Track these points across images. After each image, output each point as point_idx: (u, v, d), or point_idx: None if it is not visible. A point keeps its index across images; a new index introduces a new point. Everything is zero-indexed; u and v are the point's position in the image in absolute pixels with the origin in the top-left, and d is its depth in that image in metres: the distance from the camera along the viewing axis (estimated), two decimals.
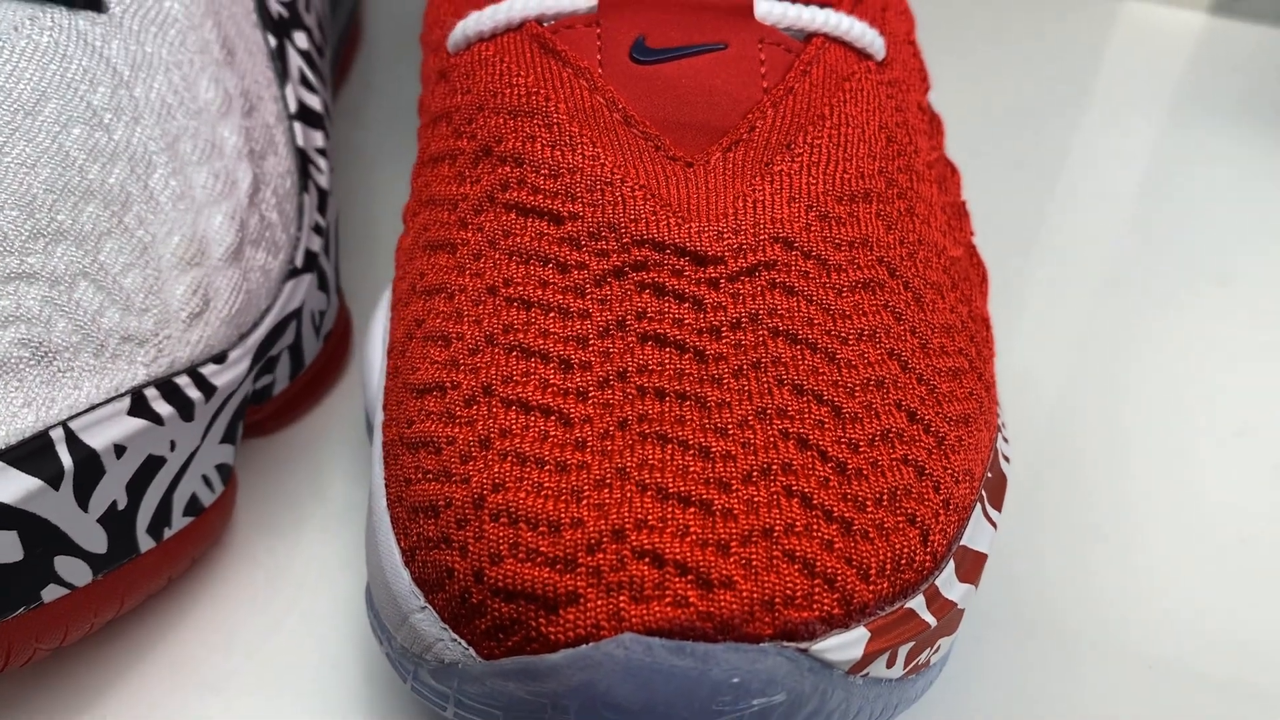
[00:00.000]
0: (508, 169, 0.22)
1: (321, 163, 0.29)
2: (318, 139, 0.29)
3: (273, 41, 0.28)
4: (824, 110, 0.23)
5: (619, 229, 0.21)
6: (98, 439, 0.22)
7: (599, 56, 0.23)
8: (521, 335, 0.21)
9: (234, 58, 0.27)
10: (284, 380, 0.28)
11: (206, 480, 0.25)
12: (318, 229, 0.28)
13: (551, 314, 0.21)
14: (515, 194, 0.22)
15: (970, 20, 0.47)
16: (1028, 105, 0.44)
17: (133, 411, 0.22)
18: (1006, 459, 0.24)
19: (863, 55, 0.25)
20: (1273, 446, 0.31)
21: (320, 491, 0.28)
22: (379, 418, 0.23)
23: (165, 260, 0.24)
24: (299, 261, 0.27)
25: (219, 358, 0.24)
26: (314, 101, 0.29)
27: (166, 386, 0.23)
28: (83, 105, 0.24)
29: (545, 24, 0.24)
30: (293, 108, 0.28)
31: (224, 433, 0.25)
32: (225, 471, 0.25)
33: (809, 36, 0.24)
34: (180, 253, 0.24)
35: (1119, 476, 0.30)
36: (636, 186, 0.21)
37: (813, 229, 0.22)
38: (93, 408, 0.22)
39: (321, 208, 0.28)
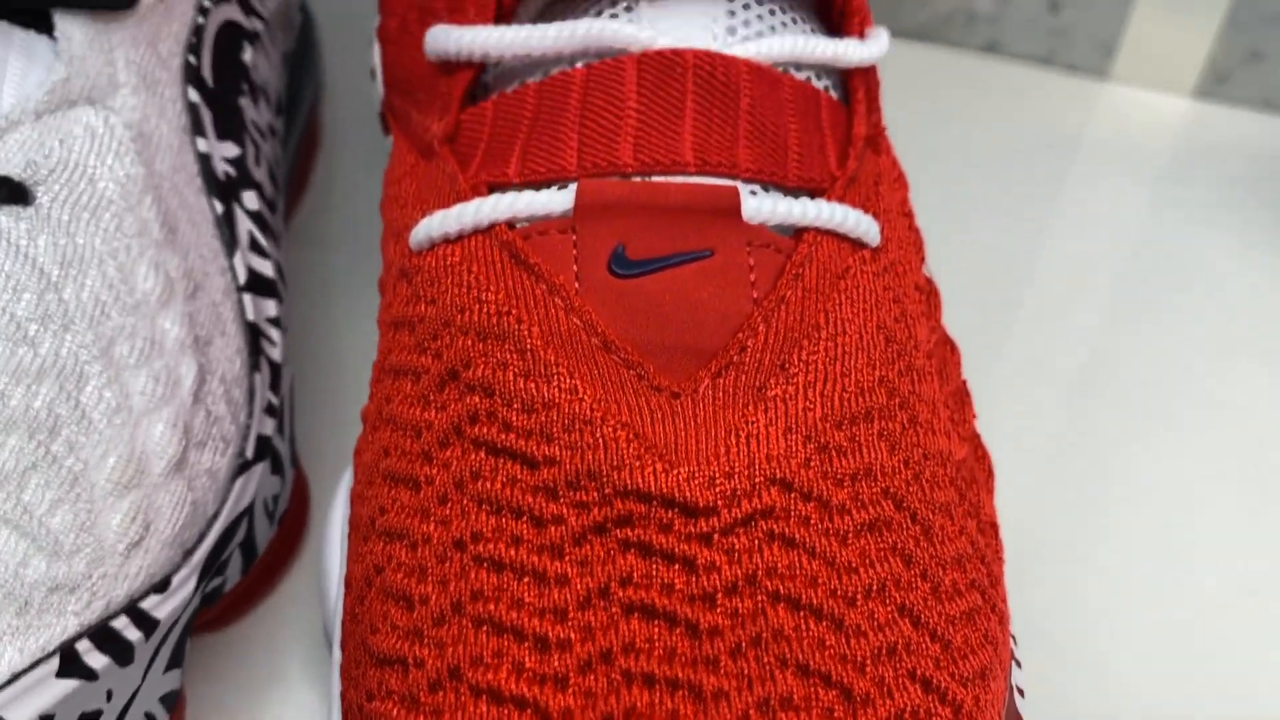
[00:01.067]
0: (476, 399, 0.20)
1: (274, 333, 0.26)
2: (270, 308, 0.26)
3: (219, 207, 0.26)
4: (818, 319, 0.21)
5: (600, 478, 0.19)
6: (20, 713, 0.19)
7: (575, 268, 0.21)
8: (492, 606, 0.18)
9: (176, 235, 0.24)
10: (235, 576, 0.25)
11: (149, 717, 0.22)
12: (270, 409, 0.26)
13: (525, 579, 0.18)
14: (485, 430, 0.20)
15: (945, 101, 0.45)
16: (1003, 191, 0.42)
17: (62, 672, 0.20)
18: (1020, 691, 0.22)
19: (857, 245, 0.22)
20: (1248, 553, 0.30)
21: (279, 696, 0.26)
22: (336, 655, 0.21)
23: (99, 488, 0.21)
24: (250, 452, 0.25)
25: (161, 585, 0.22)
26: (265, 267, 0.26)
27: (101, 633, 0.21)
28: (4, 319, 0.21)
29: (517, 226, 0.22)
30: (242, 278, 0.26)
31: (169, 661, 0.23)
32: (171, 700, 0.23)
33: (800, 231, 0.22)
34: (116, 476, 0.21)
35: (1103, 584, 0.28)
36: (619, 426, 0.19)
37: (812, 464, 0.19)
38: (14, 677, 0.19)
39: (275, 384, 0.26)
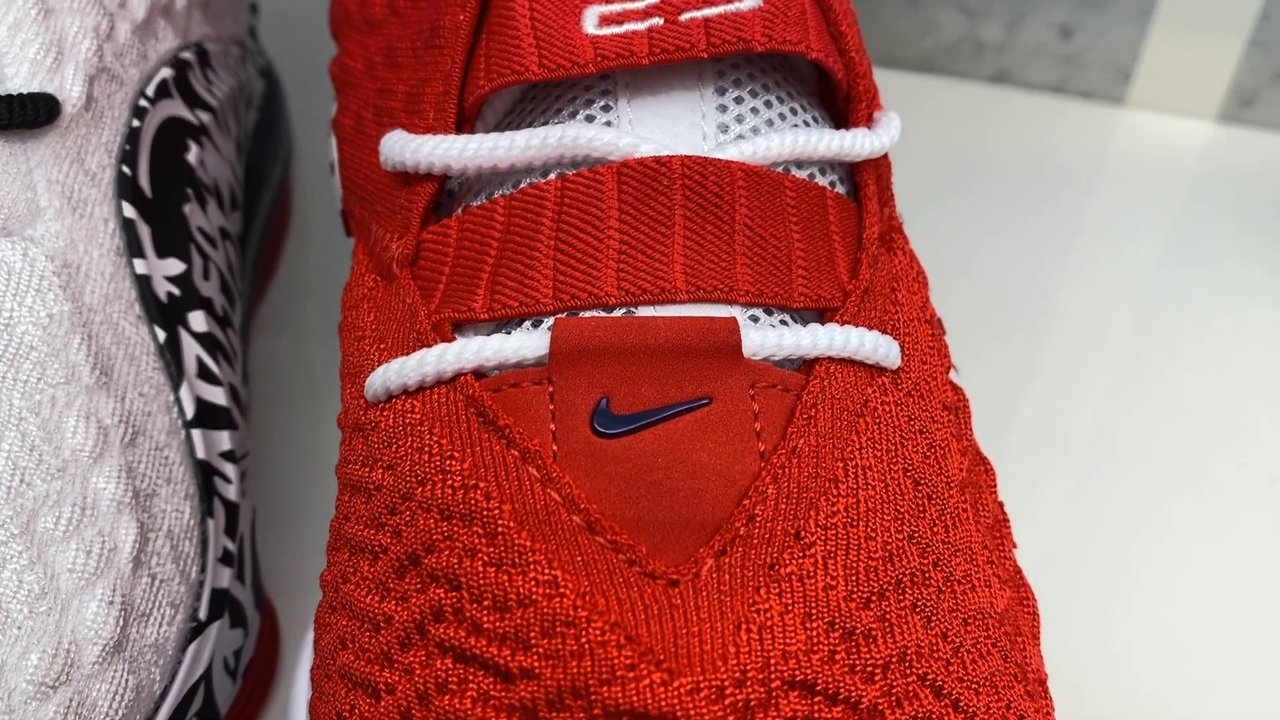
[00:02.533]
0: (441, 592, 0.17)
1: (229, 469, 0.23)
2: (224, 440, 0.23)
3: (161, 335, 0.23)
4: (836, 471, 0.18)
5: (587, 695, 0.16)
6: None
7: (552, 427, 0.18)
8: None
9: (111, 376, 0.21)
10: None
11: None
12: (227, 557, 0.23)
13: None
14: (451, 631, 0.17)
15: (952, 134, 0.42)
16: (1017, 227, 0.39)
17: None
18: None
19: (876, 371, 0.19)
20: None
21: None
22: None
23: (19, 693, 0.18)
24: (204, 612, 0.22)
25: None
26: (216, 394, 0.23)
27: None
28: None
29: (486, 375, 0.19)
30: (190, 412, 0.23)
31: None
32: None
33: (810, 362, 0.19)
34: (41, 675, 0.19)
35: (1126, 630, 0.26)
36: (607, 627, 0.16)
37: (837, 657, 0.16)
38: None
39: (231, 526, 0.23)
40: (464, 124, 0.21)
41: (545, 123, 0.21)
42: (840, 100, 0.21)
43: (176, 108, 0.25)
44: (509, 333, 0.19)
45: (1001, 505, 0.22)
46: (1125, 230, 0.39)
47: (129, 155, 0.23)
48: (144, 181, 0.23)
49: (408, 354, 0.19)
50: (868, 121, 0.21)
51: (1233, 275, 0.38)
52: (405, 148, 0.20)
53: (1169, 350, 0.35)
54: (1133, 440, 0.33)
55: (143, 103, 0.24)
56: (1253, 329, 0.36)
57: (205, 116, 0.26)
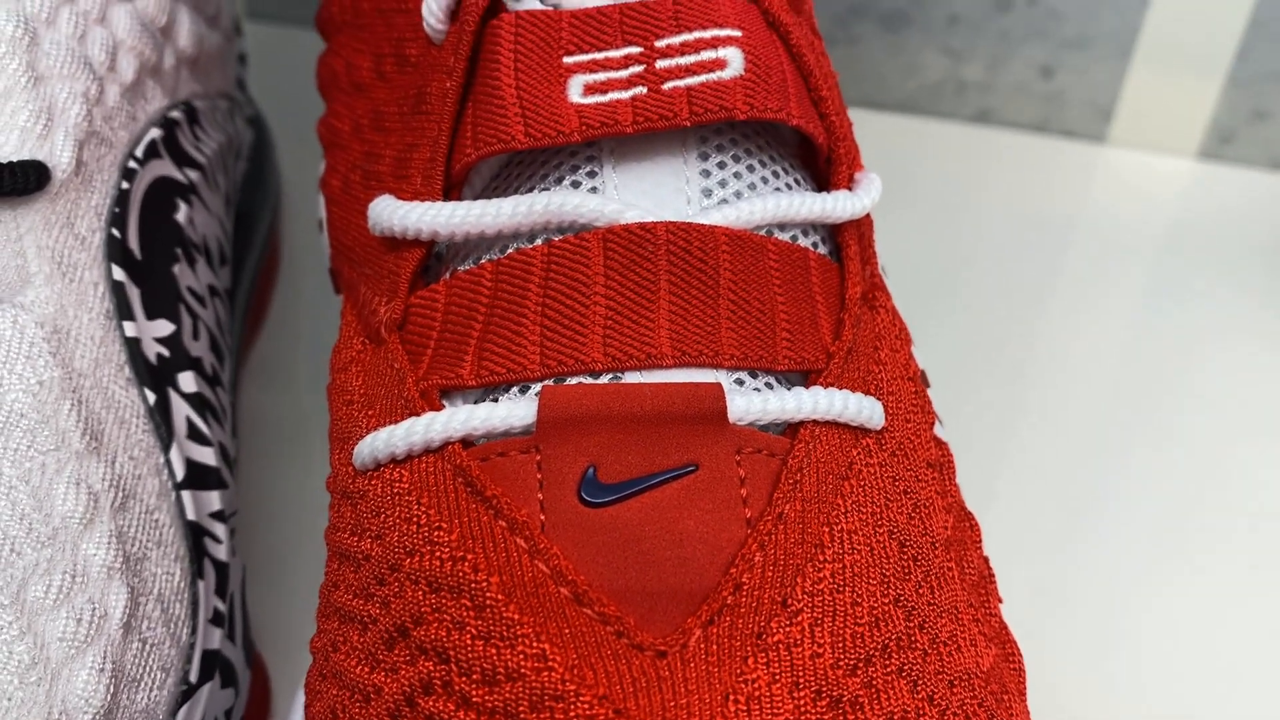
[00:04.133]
0: (430, 665, 0.17)
1: (219, 529, 0.23)
2: (213, 501, 0.23)
3: (151, 397, 0.23)
4: (822, 536, 0.18)
5: None
6: None
7: (540, 497, 0.18)
8: None
9: (101, 441, 0.21)
10: None
11: None
12: (217, 617, 0.23)
13: None
14: (441, 705, 0.17)
15: (935, 174, 0.42)
16: (1000, 266, 0.39)
17: None
18: None
19: (860, 433, 0.19)
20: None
21: None
22: None
23: None
24: (194, 675, 0.22)
25: None
26: (206, 455, 0.23)
27: None
28: None
29: (474, 444, 0.19)
30: (180, 473, 0.23)
31: None
32: None
33: (794, 426, 0.19)
34: None
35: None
36: (595, 701, 0.16)
37: None
38: None
39: (221, 588, 0.23)
40: (451, 189, 0.21)
41: (531, 188, 0.21)
42: (821, 162, 0.22)
43: (165, 168, 0.25)
44: (496, 400, 0.19)
45: (986, 560, 0.22)
46: (1108, 267, 0.39)
47: (118, 218, 0.23)
48: (133, 244, 0.23)
49: (396, 421, 0.19)
50: (849, 183, 0.21)
51: (1215, 311, 0.38)
52: (394, 214, 0.20)
53: (1153, 389, 0.36)
54: (1118, 481, 0.33)
55: (132, 164, 0.24)
56: (1236, 366, 0.36)
57: (194, 175, 0.26)
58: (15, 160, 0.21)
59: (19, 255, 0.21)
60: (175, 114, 0.26)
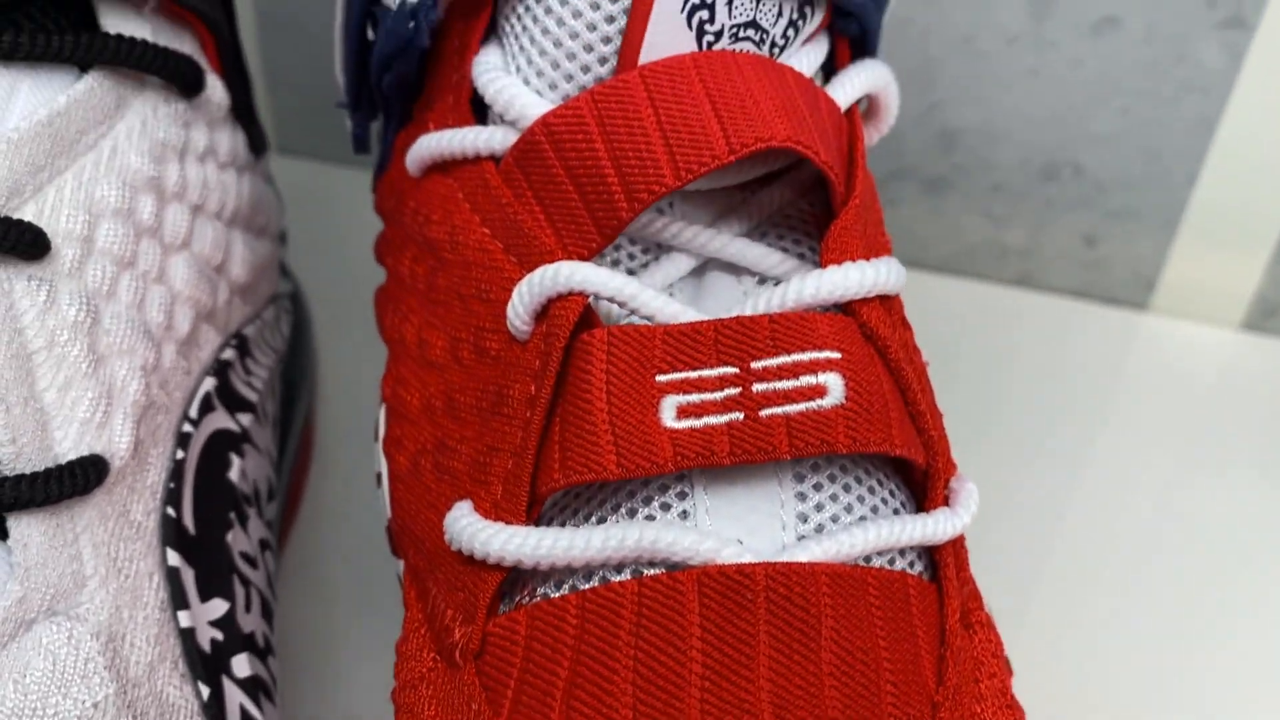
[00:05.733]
0: None
1: None
2: None
3: (205, 691, 0.21)
4: None
5: None
6: None
7: None
8: None
9: None
10: None
11: None
12: None
13: None
14: None
15: (974, 335, 0.41)
16: (1037, 430, 0.38)
17: None
18: None
19: None
20: None
21: None
22: None
23: None
24: None
25: None
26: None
27: None
28: None
29: None
30: None
31: None
32: None
33: None
34: None
35: None
36: None
37: None
38: None
39: None
40: (533, 505, 0.20)
41: (619, 505, 0.20)
42: (918, 476, 0.21)
43: (220, 420, 0.24)
44: None
45: None
46: (1146, 437, 0.39)
47: (173, 494, 0.22)
48: (188, 520, 0.22)
49: None
50: (945, 497, 0.20)
51: (1253, 486, 0.37)
52: (475, 536, 0.19)
53: (1189, 564, 0.35)
54: (1154, 654, 0.32)
55: (187, 428, 0.23)
56: (1275, 543, 0.35)
57: (247, 419, 0.25)
58: (74, 459, 0.20)
59: (75, 559, 0.20)
60: (228, 354, 0.25)
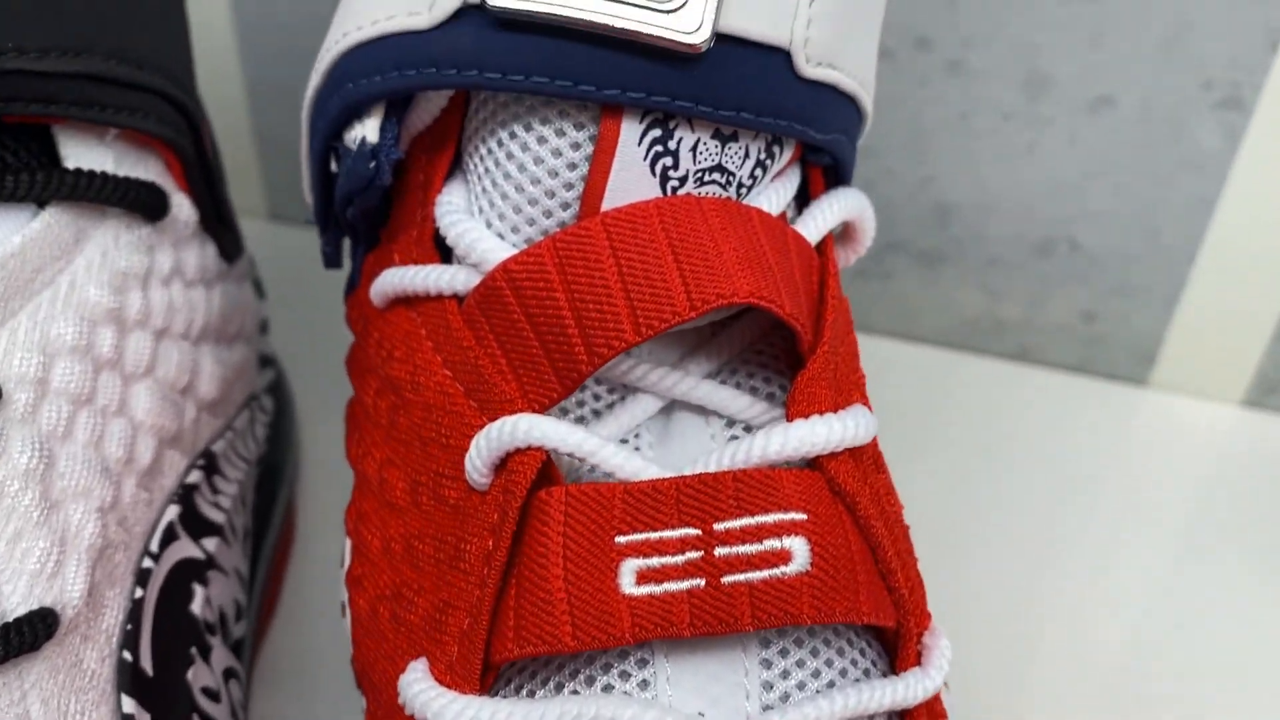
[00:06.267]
0: None
1: None
2: None
3: None
4: None
5: None
6: None
7: None
8: None
9: None
10: None
11: None
12: None
13: None
14: None
15: (980, 401, 0.40)
16: (1032, 506, 0.37)
17: None
18: None
19: None
20: None
21: None
22: None
23: None
24: None
25: None
26: None
27: None
28: None
29: None
30: None
31: None
32: None
33: None
34: None
35: None
36: None
37: None
38: None
39: None
40: (488, 670, 0.19)
41: (576, 673, 0.19)
42: (889, 634, 0.20)
43: (183, 549, 0.23)
44: None
45: None
46: (1146, 514, 0.38)
47: (130, 636, 0.22)
48: (145, 663, 0.22)
49: None
50: (918, 655, 0.20)
51: (1253, 564, 0.36)
52: (428, 705, 0.19)
53: (1187, 642, 0.34)
54: None
55: (147, 563, 0.22)
56: (1276, 621, 0.35)
57: (212, 543, 0.25)
58: (22, 614, 0.20)
59: (22, 717, 0.20)
60: (193, 476, 0.24)
